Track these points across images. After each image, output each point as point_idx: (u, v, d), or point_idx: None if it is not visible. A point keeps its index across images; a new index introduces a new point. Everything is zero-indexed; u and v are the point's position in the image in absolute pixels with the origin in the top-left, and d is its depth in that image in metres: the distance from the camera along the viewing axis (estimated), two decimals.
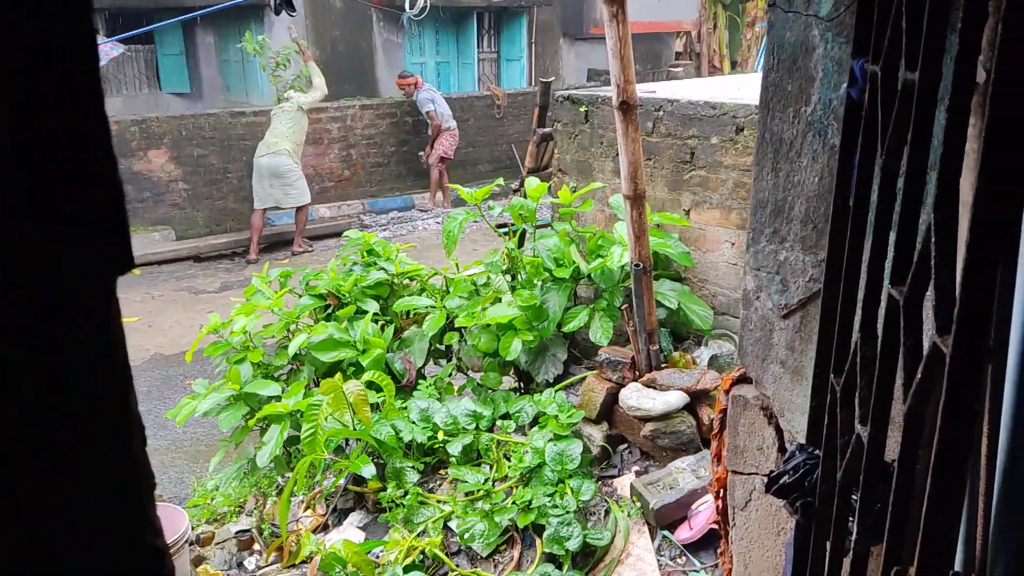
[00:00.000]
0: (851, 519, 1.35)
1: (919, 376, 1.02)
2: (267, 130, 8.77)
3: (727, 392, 1.84)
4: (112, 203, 0.41)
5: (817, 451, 1.48)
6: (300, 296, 4.26)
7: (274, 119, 8.77)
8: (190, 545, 3.38)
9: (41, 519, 0.41)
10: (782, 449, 1.72)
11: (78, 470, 0.42)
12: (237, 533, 3.59)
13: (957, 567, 1.19)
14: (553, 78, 6.03)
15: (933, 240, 0.97)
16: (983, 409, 1.13)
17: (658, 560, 2.91)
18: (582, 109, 4.50)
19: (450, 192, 10.33)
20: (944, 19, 1.00)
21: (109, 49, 9.21)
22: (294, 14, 8.51)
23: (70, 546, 0.42)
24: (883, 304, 1.17)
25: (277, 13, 8.21)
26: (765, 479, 1.58)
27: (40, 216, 0.38)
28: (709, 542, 2.88)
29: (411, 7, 11.41)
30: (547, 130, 4.92)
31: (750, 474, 1.82)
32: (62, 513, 0.42)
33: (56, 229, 0.38)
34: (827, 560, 1.42)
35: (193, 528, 3.61)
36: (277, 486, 3.83)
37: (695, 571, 2.83)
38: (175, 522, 3.12)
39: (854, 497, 1.33)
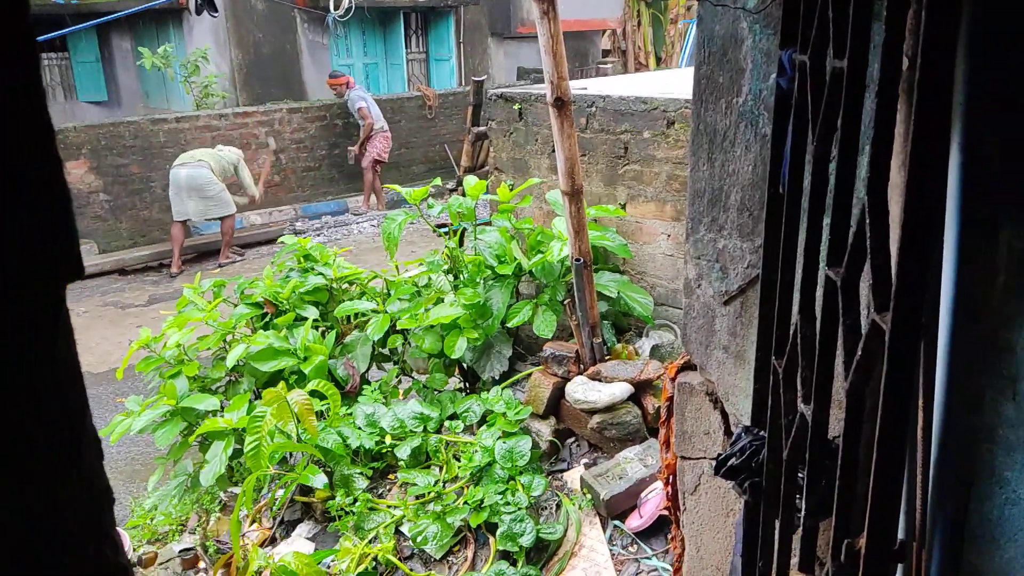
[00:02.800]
0: (798, 496, 1.40)
1: (859, 353, 1.06)
2: (194, 149, 8.49)
3: (673, 380, 1.87)
4: (59, 208, 0.39)
5: (762, 432, 1.52)
6: (235, 305, 4.15)
7: (205, 149, 8.54)
8: (132, 567, 3.26)
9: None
10: (728, 432, 1.76)
11: (29, 486, 0.40)
12: (181, 552, 3.48)
13: (900, 535, 1.24)
14: (485, 76, 6.04)
15: (868, 222, 1.01)
16: (918, 383, 1.18)
17: (610, 549, 2.94)
18: (516, 107, 4.51)
19: (384, 195, 10.23)
20: (869, 9, 1.04)
21: None
22: (216, 15, 8.29)
23: (25, 565, 0.40)
24: (820, 286, 1.21)
25: (198, 13, 7.98)
26: (713, 463, 1.62)
27: None
28: (659, 529, 2.93)
29: (336, 8, 11.25)
30: (482, 129, 4.92)
31: (698, 459, 1.86)
32: (12, 530, 0.39)
33: (3, 235, 0.36)
34: (776, 537, 1.46)
35: (134, 550, 3.49)
36: (220, 502, 3.73)
37: (647, 558, 2.88)
38: None
39: (800, 475, 1.37)
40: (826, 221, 1.22)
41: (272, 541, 3.48)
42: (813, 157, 1.21)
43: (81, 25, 8.60)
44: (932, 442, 1.20)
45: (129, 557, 3.02)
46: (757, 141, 1.53)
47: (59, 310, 0.40)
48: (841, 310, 1.11)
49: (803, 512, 1.32)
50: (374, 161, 10.00)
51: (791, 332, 1.34)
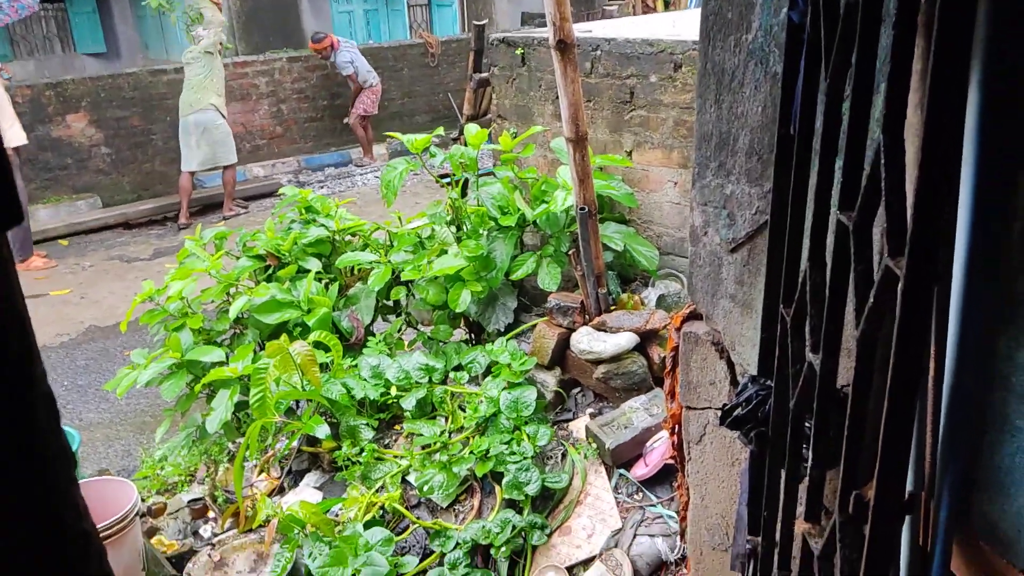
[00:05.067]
0: (804, 446, 1.37)
1: (871, 300, 1.02)
2: (184, 85, 8.25)
3: (678, 329, 1.84)
4: None
5: (769, 382, 1.50)
6: (238, 258, 4.12)
7: (187, 70, 8.21)
8: (141, 517, 3.31)
9: None
10: (734, 382, 1.73)
11: None
12: (190, 502, 3.52)
13: (908, 487, 1.22)
14: (487, 21, 5.88)
15: (883, 162, 0.96)
16: (931, 331, 1.15)
17: (616, 498, 2.96)
18: (518, 52, 4.40)
19: (374, 147, 10.12)
20: None
21: (31, 2, 8.67)
22: None
23: None
24: (831, 231, 1.17)
25: None
26: (719, 412, 1.59)
27: None
28: (664, 477, 2.93)
29: None
30: (484, 75, 4.81)
31: (703, 408, 1.84)
32: None
33: None
34: (782, 487, 1.44)
35: (143, 500, 3.53)
36: (228, 452, 3.76)
37: (652, 505, 2.89)
38: (124, 495, 3.03)
39: (807, 424, 1.35)
40: (838, 163, 1.17)
41: (280, 491, 3.52)
42: (825, 95, 1.16)
43: None
44: (943, 391, 1.17)
45: (139, 508, 3.06)
46: (767, 81, 1.46)
47: (2, 253, 0.37)
48: (853, 256, 1.06)
49: (809, 462, 1.30)
50: (362, 116, 9.84)
51: (800, 280, 1.30)
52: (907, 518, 1.14)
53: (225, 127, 8.18)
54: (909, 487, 1.20)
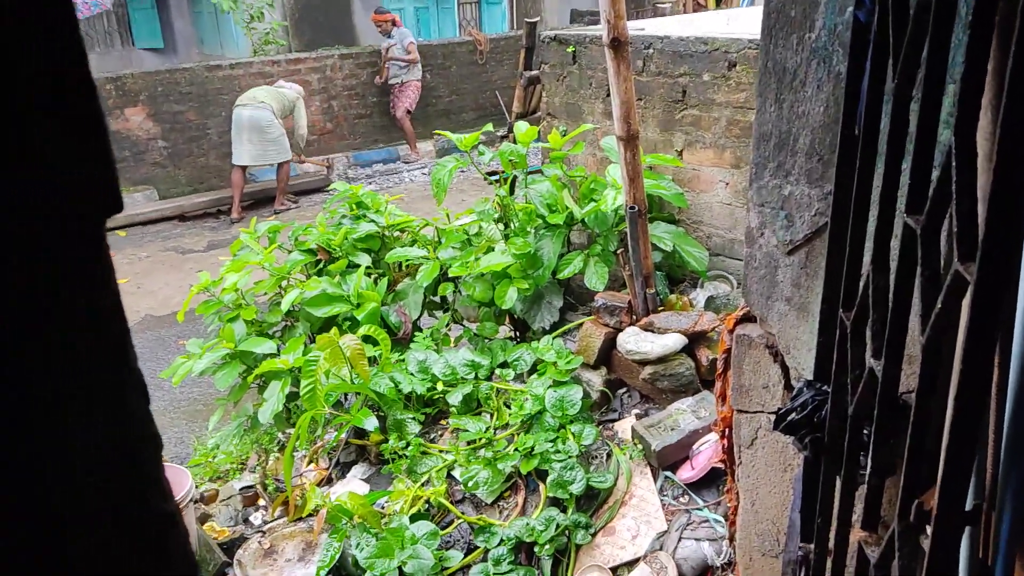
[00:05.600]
0: (862, 454, 1.35)
1: (939, 306, 0.99)
2: (252, 88, 8.53)
3: (731, 332, 1.82)
4: (96, 139, 0.37)
5: (825, 387, 1.47)
6: (290, 252, 4.20)
7: (265, 86, 8.60)
8: (195, 503, 3.39)
9: (30, 484, 0.37)
10: (788, 387, 1.71)
11: (67, 427, 0.39)
12: (241, 490, 3.60)
13: (970, 497, 1.19)
14: (539, 18, 5.88)
15: (954, 165, 0.94)
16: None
17: (661, 500, 2.94)
18: (570, 50, 4.39)
19: (420, 144, 10.21)
20: None
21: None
22: None
23: (65, 514, 0.39)
24: (897, 235, 1.14)
25: None
26: (771, 417, 1.57)
27: (24, 156, 0.34)
28: (711, 481, 2.90)
29: None
30: (534, 73, 4.81)
31: (755, 412, 1.81)
32: (50, 475, 0.38)
33: (41, 169, 0.34)
34: (837, 494, 1.42)
35: (197, 487, 3.62)
36: (278, 442, 3.84)
37: (698, 509, 2.87)
38: (179, 481, 3.12)
39: (865, 431, 1.32)
40: (905, 165, 1.14)
41: (328, 481, 3.58)
42: (893, 96, 1.13)
43: None
44: (1007, 400, 1.13)
45: (192, 494, 3.14)
46: (830, 80, 1.44)
47: (100, 245, 0.38)
48: (920, 260, 1.04)
49: (868, 470, 1.28)
50: (406, 111, 9.94)
51: (861, 283, 1.28)
52: (967, 529, 1.11)
53: (278, 128, 8.33)
54: (970, 498, 1.17)
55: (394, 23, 9.86)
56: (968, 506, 1.15)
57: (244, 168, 8.46)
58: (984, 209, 0.89)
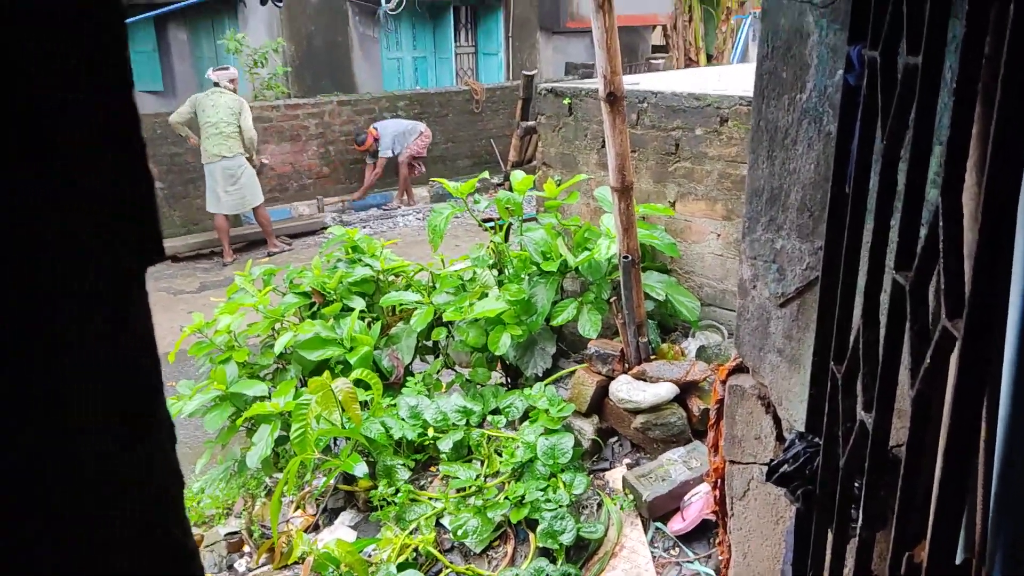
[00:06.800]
0: (853, 506, 1.36)
1: (928, 361, 1.02)
2: (205, 130, 8.03)
3: (723, 382, 1.84)
4: (142, 190, 0.39)
5: (817, 439, 1.49)
6: (284, 294, 4.21)
7: (209, 112, 7.97)
8: None
9: (72, 518, 0.39)
10: (780, 438, 1.72)
11: (111, 467, 0.40)
12: (226, 535, 3.55)
13: (960, 551, 1.19)
14: (536, 71, 6.01)
15: (941, 224, 0.97)
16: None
17: (651, 552, 2.91)
18: (566, 102, 4.49)
19: (415, 191, 10.28)
20: (947, 4, 1.00)
21: None
22: (280, 5, 8.40)
23: (102, 544, 0.41)
24: (886, 290, 1.17)
25: (263, 3, 8.09)
26: (763, 468, 1.58)
27: (72, 204, 0.36)
28: (702, 533, 2.89)
29: (387, 1, 11.33)
30: (531, 123, 4.90)
31: (748, 464, 1.82)
32: (82, 510, 0.40)
33: (87, 217, 0.37)
34: (829, 547, 1.42)
35: None
36: (265, 487, 3.79)
37: (688, 562, 2.84)
38: None
39: (856, 484, 1.33)
40: (893, 223, 1.18)
41: (315, 528, 3.53)
42: (882, 156, 1.17)
43: (138, 16, 8.78)
44: (995, 454, 1.15)
45: None
46: (820, 139, 1.49)
47: (141, 291, 0.40)
48: (909, 315, 1.07)
49: (859, 522, 1.29)
50: (411, 157, 10.03)
51: (851, 337, 1.30)
52: None
53: (250, 169, 8.20)
54: (961, 551, 1.18)
55: (376, 140, 9.78)
56: (958, 560, 1.16)
57: (225, 215, 8.41)
58: (970, 266, 0.93)
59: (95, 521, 0.39)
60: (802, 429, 1.55)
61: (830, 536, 1.41)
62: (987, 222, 0.91)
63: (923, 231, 1.06)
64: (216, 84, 8.20)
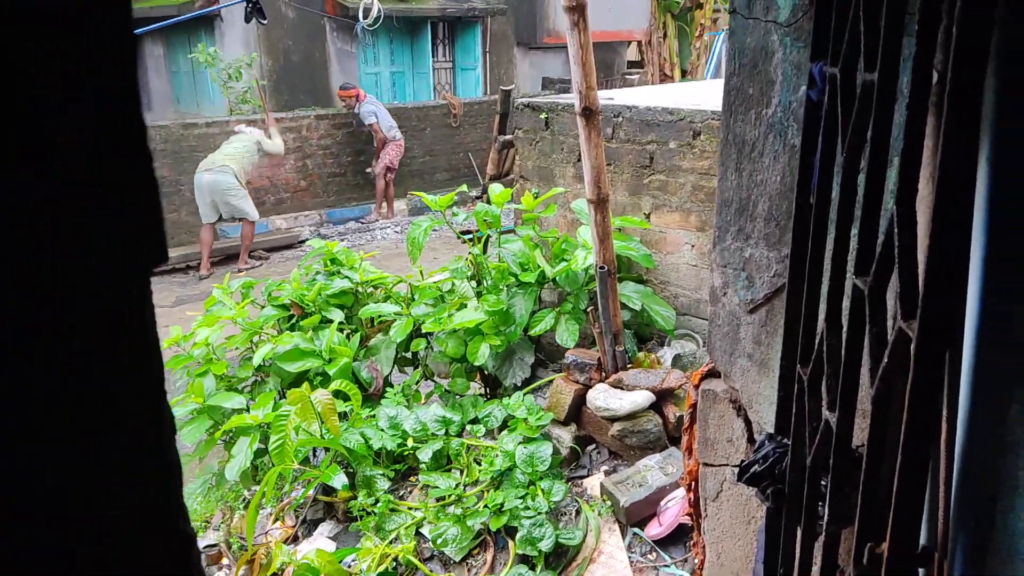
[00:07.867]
0: (820, 504, 1.41)
1: (885, 361, 1.07)
2: (215, 151, 8.59)
3: (696, 387, 1.89)
4: (146, 191, 0.43)
5: (786, 440, 1.54)
6: (262, 307, 4.22)
7: (224, 144, 8.63)
8: None
9: (83, 509, 0.42)
10: (751, 440, 1.77)
11: (118, 460, 0.43)
12: (205, 548, 3.53)
13: (922, 542, 1.25)
14: (513, 86, 6.08)
15: (896, 231, 1.03)
16: (943, 394, 1.20)
17: (629, 557, 2.95)
18: (543, 116, 4.55)
19: (394, 203, 10.33)
20: (900, 23, 1.06)
21: None
22: (264, 22, 8.45)
23: (110, 533, 0.44)
24: (848, 295, 1.23)
25: (248, 21, 8.14)
26: (736, 469, 1.63)
27: (72, 204, 0.38)
28: (679, 537, 2.93)
29: (365, 17, 11.38)
30: (508, 137, 4.96)
31: (721, 465, 1.87)
32: (100, 502, 0.43)
33: (89, 217, 0.39)
34: (798, 544, 1.47)
35: None
36: (244, 499, 3.78)
37: (666, 566, 2.88)
38: None
39: (823, 482, 1.39)
40: (854, 231, 1.24)
41: (295, 539, 3.53)
42: (842, 168, 1.24)
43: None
44: (955, 454, 1.21)
45: None
46: (785, 152, 1.55)
47: (144, 294, 0.43)
48: (868, 318, 1.12)
49: (825, 519, 1.34)
50: (386, 168, 10.10)
51: (817, 341, 1.36)
52: (920, 572, 1.17)
53: (240, 191, 8.35)
54: (923, 542, 1.24)
55: (357, 98, 10.09)
56: (919, 550, 1.21)
57: (213, 225, 8.47)
58: (924, 271, 0.98)
59: (95, 518, 0.42)
60: (772, 430, 1.60)
61: (799, 533, 1.46)
62: (937, 229, 0.97)
63: (881, 239, 1.12)
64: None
